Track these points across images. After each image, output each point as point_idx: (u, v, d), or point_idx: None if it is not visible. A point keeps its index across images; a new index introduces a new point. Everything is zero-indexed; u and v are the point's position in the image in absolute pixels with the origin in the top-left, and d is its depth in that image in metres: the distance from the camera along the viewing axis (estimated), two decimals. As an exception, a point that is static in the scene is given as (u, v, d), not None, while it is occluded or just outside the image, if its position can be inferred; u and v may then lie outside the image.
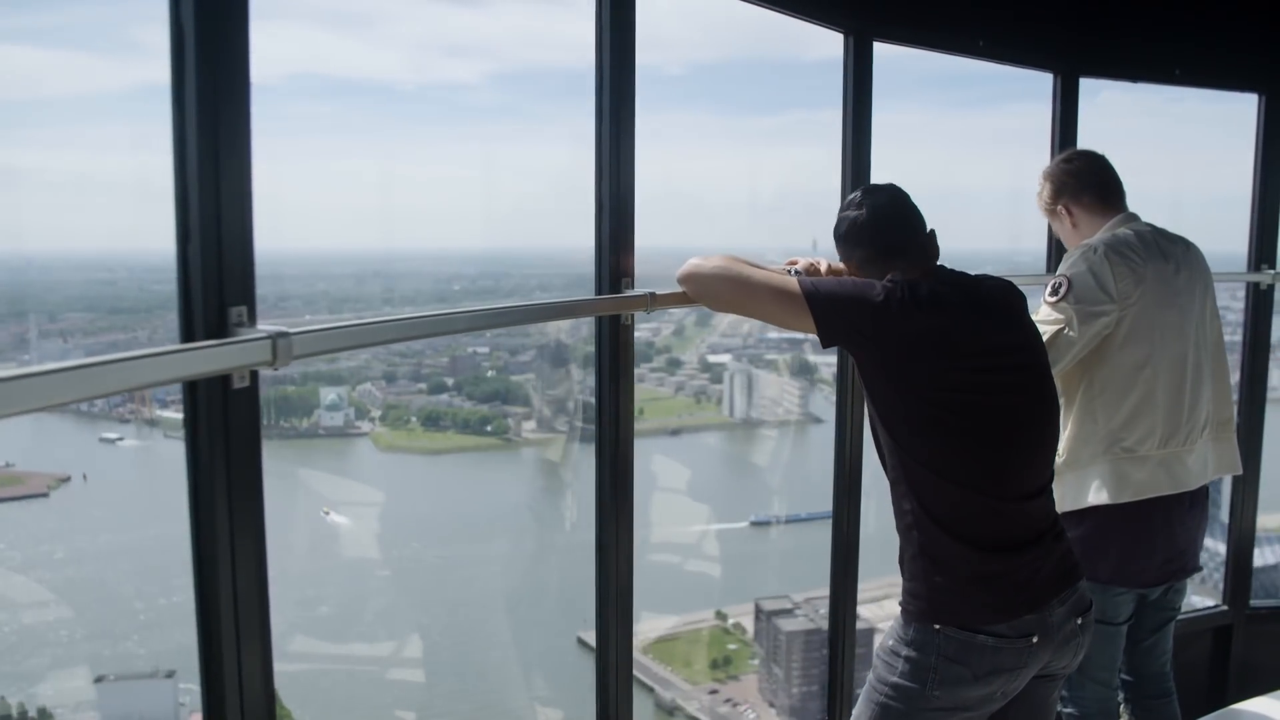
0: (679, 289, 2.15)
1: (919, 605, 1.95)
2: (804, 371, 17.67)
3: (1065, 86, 3.48)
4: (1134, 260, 2.48)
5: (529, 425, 15.34)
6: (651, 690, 13.33)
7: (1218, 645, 4.01)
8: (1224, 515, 4.06)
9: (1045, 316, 2.44)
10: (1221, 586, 4.09)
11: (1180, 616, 2.86)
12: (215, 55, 1.28)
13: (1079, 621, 2.00)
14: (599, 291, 2.20)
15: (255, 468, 1.34)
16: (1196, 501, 2.63)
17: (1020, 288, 2.13)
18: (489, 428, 14.93)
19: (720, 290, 2.07)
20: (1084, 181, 2.67)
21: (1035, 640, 1.92)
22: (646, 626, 13.96)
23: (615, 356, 2.24)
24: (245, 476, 1.33)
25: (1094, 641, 2.61)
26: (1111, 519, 2.55)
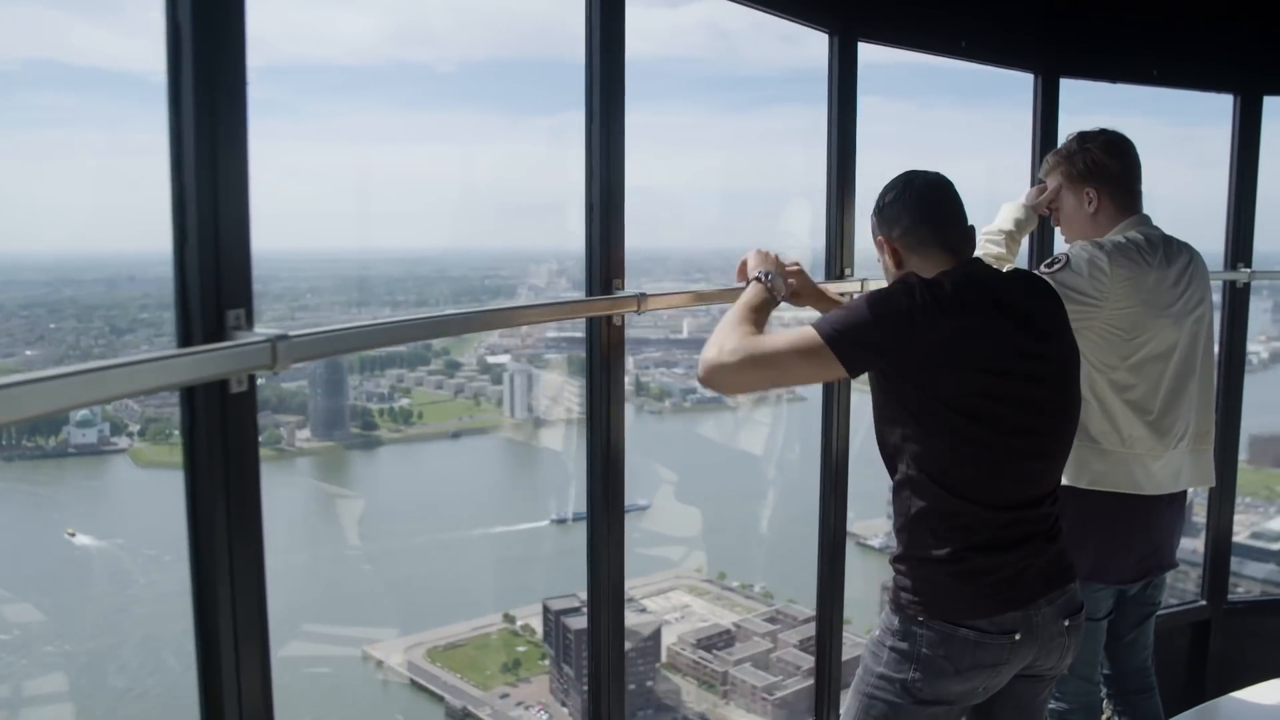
0: (671, 290, 2.16)
1: (905, 598, 1.96)
2: (584, 369, 17.80)
3: (1046, 87, 3.51)
4: (1139, 265, 2.47)
5: (303, 434, 14.69)
6: (441, 699, 13.23)
7: (1196, 640, 4.06)
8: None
9: None
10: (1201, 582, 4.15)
11: (1159, 612, 2.89)
12: (211, 54, 1.27)
13: (1066, 623, 2.00)
14: (590, 293, 2.20)
15: (253, 473, 1.33)
16: (1174, 499, 2.65)
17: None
18: (259, 438, 14.38)
19: (754, 380, 1.99)
20: (1122, 174, 2.62)
21: (1018, 638, 1.92)
22: (434, 635, 13.84)
23: (606, 357, 2.24)
24: (243, 482, 1.32)
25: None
26: (1088, 516, 2.57)
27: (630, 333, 2.28)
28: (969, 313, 1.86)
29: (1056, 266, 2.45)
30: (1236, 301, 3.91)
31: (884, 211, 2.05)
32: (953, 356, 1.85)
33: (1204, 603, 4.08)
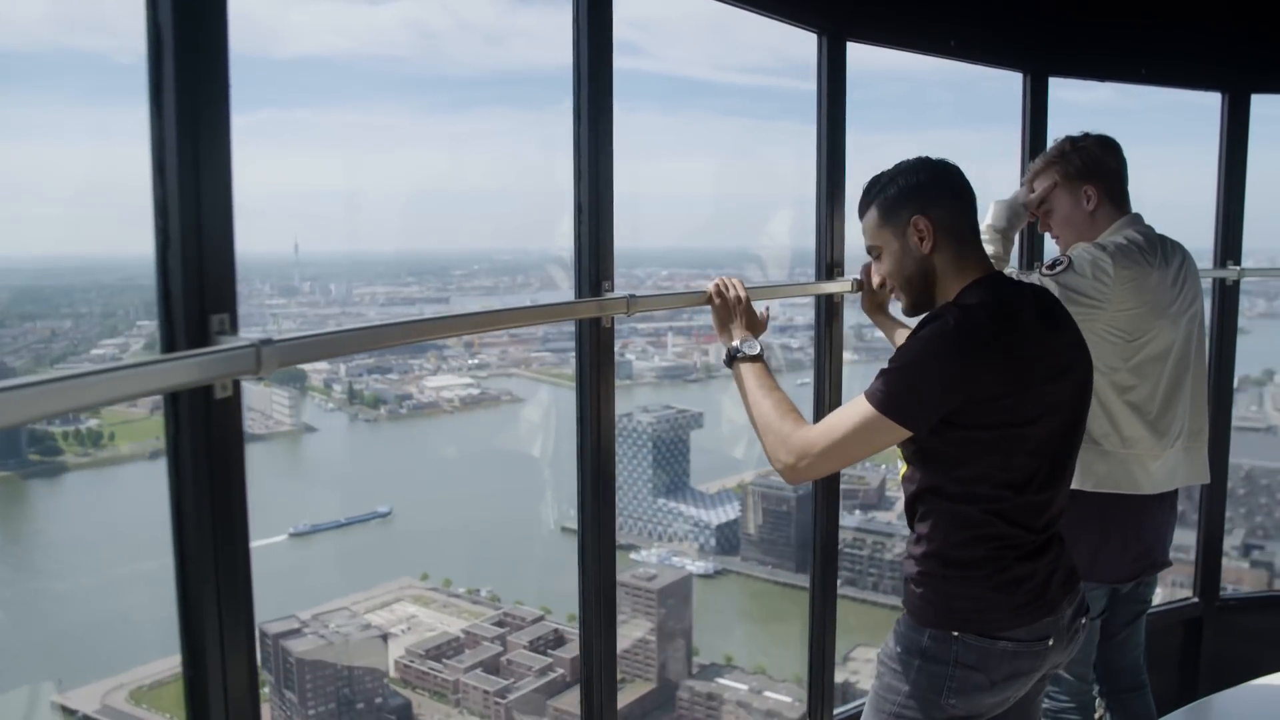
0: (660, 292, 2.15)
1: (935, 611, 1.88)
2: (292, 380, 17.56)
3: (1035, 86, 3.51)
4: (1141, 266, 2.47)
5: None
6: (150, 745, 12.19)
7: (1188, 638, 4.07)
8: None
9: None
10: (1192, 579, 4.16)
11: (1151, 610, 2.90)
12: (194, 56, 1.25)
13: (1081, 622, 1.99)
14: (579, 294, 2.18)
15: (239, 479, 1.32)
16: (1164, 498, 2.66)
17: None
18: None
19: (834, 468, 1.94)
20: (1118, 173, 2.63)
21: (1050, 643, 1.89)
22: (137, 674, 12.88)
23: (596, 359, 2.22)
24: (228, 489, 1.31)
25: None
26: (1082, 515, 2.57)
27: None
28: (1008, 353, 1.79)
29: (1059, 269, 2.45)
30: (1226, 299, 3.93)
31: (920, 189, 1.91)
32: (995, 395, 1.77)
33: (1196, 600, 4.09)
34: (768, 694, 17.11)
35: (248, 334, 1.29)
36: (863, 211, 2.01)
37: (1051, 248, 2.85)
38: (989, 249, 2.60)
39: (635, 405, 21.71)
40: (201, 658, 1.28)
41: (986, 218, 2.68)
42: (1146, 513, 2.62)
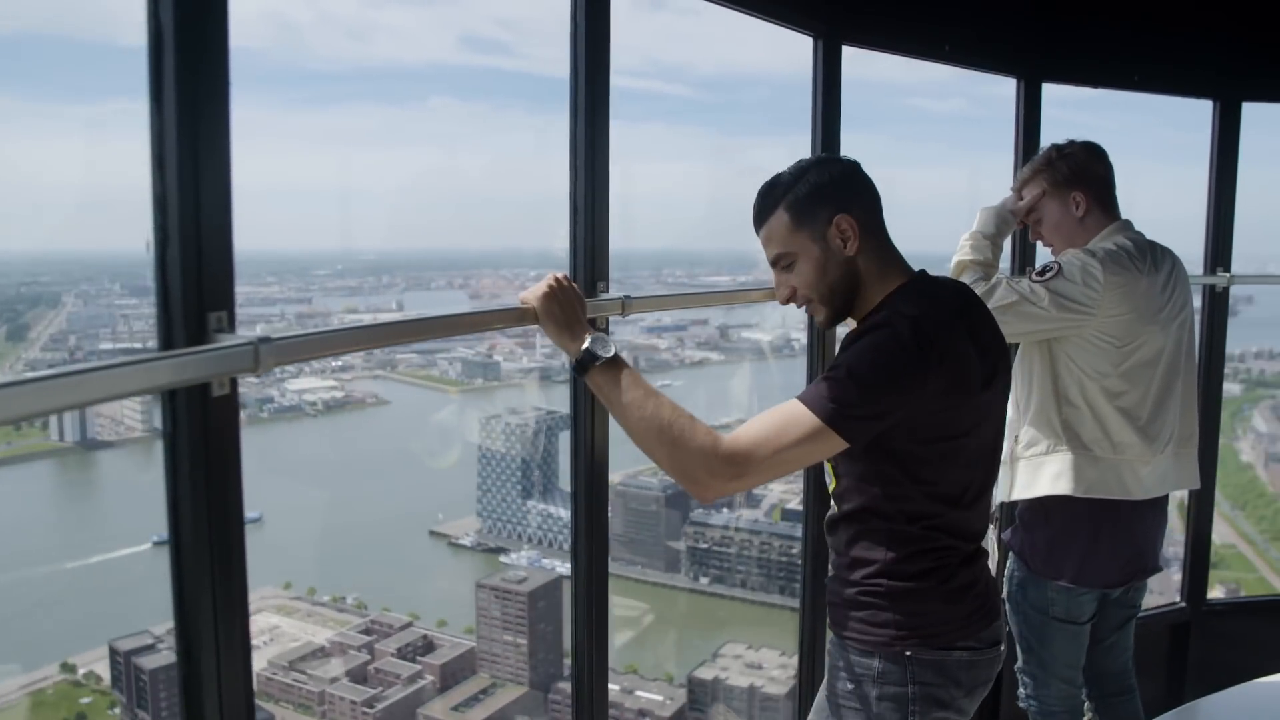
0: (656, 293, 2.13)
1: (885, 632, 1.78)
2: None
3: (1029, 91, 3.52)
4: (1131, 273, 2.49)
5: None
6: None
7: (1175, 642, 4.09)
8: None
9: (1023, 288, 2.46)
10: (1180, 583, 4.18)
11: (1139, 615, 2.91)
12: (195, 53, 1.25)
13: (1007, 629, 2.00)
14: (575, 295, 2.17)
15: (236, 476, 1.31)
16: (1155, 503, 2.68)
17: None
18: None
19: (757, 483, 1.70)
20: (1106, 179, 2.65)
21: (1002, 649, 1.86)
22: None
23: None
24: (225, 485, 1.30)
25: (1059, 640, 2.66)
26: (1074, 520, 2.59)
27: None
28: (954, 365, 1.69)
29: (1049, 275, 2.47)
30: (1216, 305, 3.95)
31: (835, 185, 1.78)
32: (937, 409, 1.69)
33: (1183, 605, 4.11)
34: (640, 693, 17.06)
35: (246, 332, 1.29)
36: (764, 217, 1.83)
37: (1044, 254, 2.87)
38: (976, 255, 2.62)
39: (504, 407, 21.67)
40: (197, 655, 1.28)
41: (974, 224, 2.69)
42: (1136, 518, 2.63)
